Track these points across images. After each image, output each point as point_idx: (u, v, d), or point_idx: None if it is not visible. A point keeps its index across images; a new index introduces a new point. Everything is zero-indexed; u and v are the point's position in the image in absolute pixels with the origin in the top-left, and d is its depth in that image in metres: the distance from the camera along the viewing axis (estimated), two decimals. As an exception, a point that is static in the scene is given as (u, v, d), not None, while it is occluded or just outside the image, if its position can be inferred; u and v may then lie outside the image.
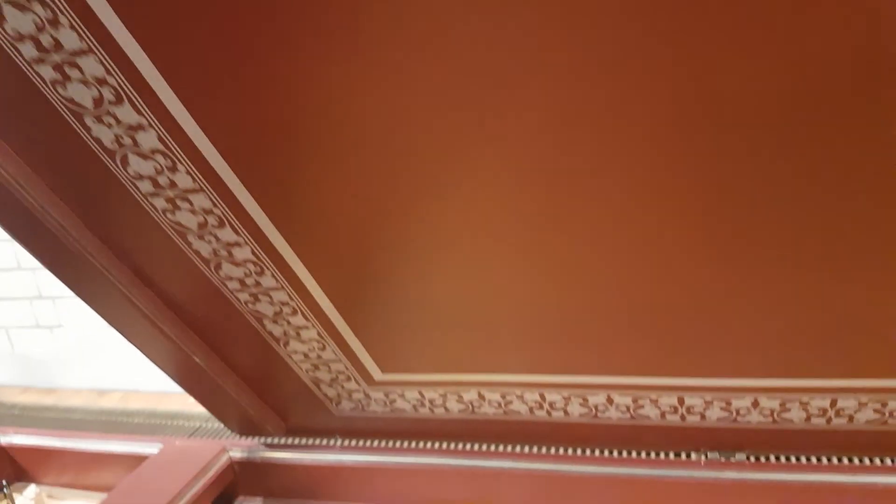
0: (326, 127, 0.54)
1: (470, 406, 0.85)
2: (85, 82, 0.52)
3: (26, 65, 0.52)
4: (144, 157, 0.57)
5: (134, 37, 0.49)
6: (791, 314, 0.66)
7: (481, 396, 0.83)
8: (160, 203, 0.61)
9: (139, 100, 0.53)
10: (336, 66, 0.49)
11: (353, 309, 0.75)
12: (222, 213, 0.62)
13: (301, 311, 0.73)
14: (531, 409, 0.84)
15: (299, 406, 0.90)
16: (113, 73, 0.51)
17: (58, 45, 0.50)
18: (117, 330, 0.75)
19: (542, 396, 0.81)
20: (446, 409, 0.86)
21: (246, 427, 0.92)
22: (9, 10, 0.49)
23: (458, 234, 0.63)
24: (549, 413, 0.84)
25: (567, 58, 0.46)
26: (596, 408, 0.82)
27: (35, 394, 2.07)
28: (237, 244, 0.65)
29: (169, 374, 0.82)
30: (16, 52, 0.52)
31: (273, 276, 0.69)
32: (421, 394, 0.85)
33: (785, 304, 0.65)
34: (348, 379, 0.86)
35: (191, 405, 1.85)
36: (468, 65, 0.48)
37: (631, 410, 0.81)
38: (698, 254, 0.61)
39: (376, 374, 0.85)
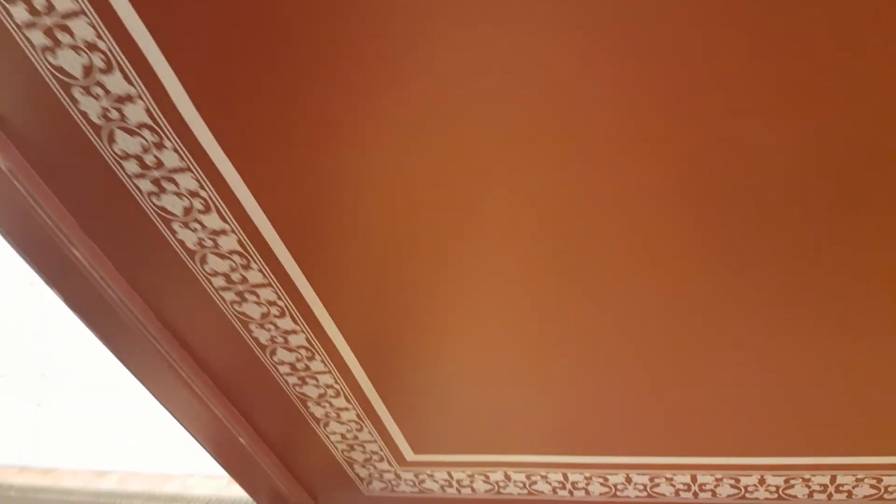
0: (376, 224, 0.62)
1: (496, 486, 0.90)
2: (178, 194, 0.60)
3: (127, 178, 0.59)
4: (222, 256, 0.64)
5: (230, 161, 0.57)
6: (793, 396, 0.73)
7: (507, 477, 0.88)
8: (230, 296, 0.68)
9: (226, 209, 0.60)
10: (386, 178, 0.57)
11: (391, 390, 0.80)
12: (285, 305, 0.68)
13: (344, 393, 0.79)
14: (554, 490, 0.88)
15: (331, 485, 0.94)
16: (206, 187, 0.59)
17: (159, 164, 0.58)
18: (167, 409, 0.79)
19: (566, 476, 0.86)
20: (473, 489, 0.91)
21: (275, 506, 0.95)
22: (120, 135, 0.56)
23: (485, 318, 0.70)
24: (570, 493, 0.88)
25: (577, 139, 0.54)
26: (615, 487, 0.87)
27: (32, 474, 2.04)
28: (294, 332, 0.71)
29: (209, 451, 0.86)
30: (119, 168, 0.59)
31: (322, 360, 0.75)
32: (449, 474, 0.90)
33: (787, 387, 0.72)
34: (381, 459, 0.90)
35: (189, 487, 1.86)
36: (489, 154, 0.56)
37: (648, 489, 0.86)
38: (710, 335, 0.68)
39: (408, 454, 0.90)
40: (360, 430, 0.85)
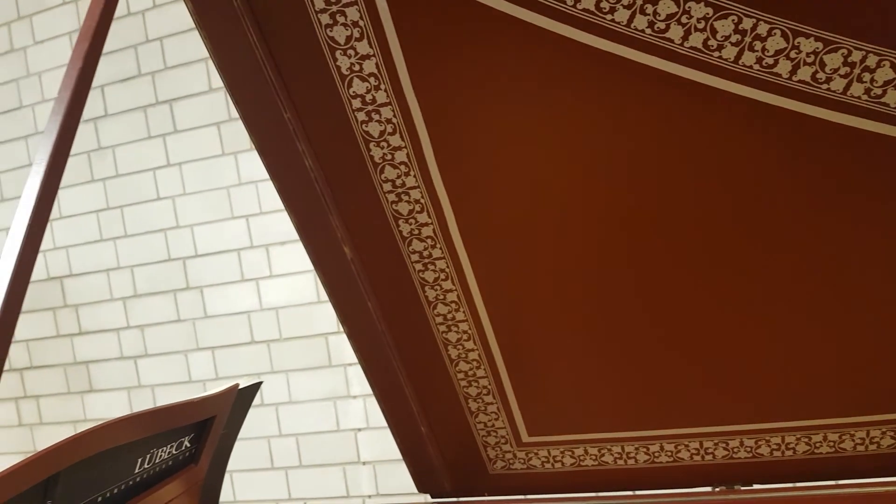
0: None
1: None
2: (408, 201, 1.06)
3: (384, 195, 1.06)
4: (422, 239, 1.09)
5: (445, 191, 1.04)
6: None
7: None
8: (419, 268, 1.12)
9: (434, 217, 1.06)
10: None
11: (522, 372, 1.18)
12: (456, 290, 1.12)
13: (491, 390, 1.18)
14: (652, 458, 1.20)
15: (469, 465, 1.26)
16: (427, 209, 1.05)
17: (403, 185, 1.05)
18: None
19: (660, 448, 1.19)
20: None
21: (426, 483, 1.27)
22: (388, 168, 1.05)
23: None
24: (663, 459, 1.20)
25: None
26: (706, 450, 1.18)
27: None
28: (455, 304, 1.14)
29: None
30: (381, 190, 1.06)
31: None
32: (566, 452, 1.22)
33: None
34: (506, 442, 1.24)
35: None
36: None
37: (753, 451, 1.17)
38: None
39: (524, 435, 1.23)
40: (497, 419, 1.21)
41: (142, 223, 3.13)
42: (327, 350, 3.00)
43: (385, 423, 2.88)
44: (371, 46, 0.95)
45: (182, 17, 3.07)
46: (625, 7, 0.85)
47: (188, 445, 1.22)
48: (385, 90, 0.98)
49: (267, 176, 3.40)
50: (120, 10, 3.22)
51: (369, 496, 2.90)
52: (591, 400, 1.20)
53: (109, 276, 3.19)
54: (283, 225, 3.04)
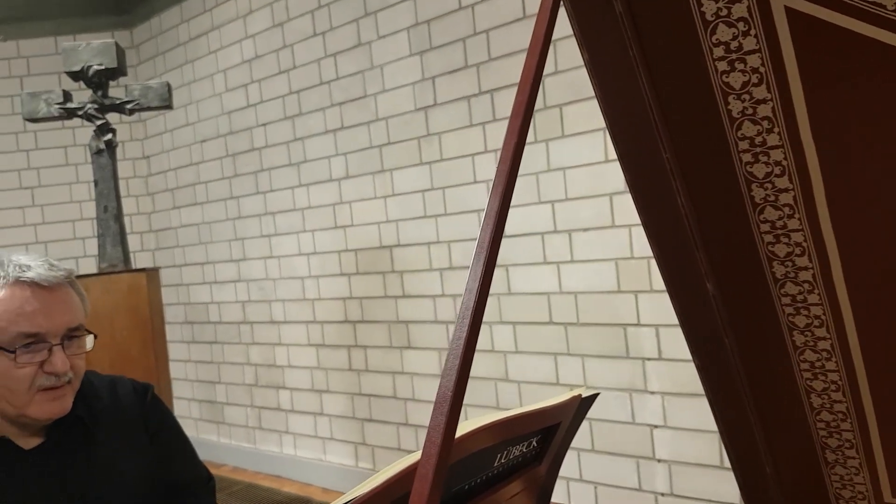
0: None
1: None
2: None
3: (735, 144, 1.03)
4: (797, 283, 1.04)
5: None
6: None
7: None
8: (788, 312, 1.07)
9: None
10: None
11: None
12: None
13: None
14: None
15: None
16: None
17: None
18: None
19: None
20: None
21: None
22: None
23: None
24: None
25: None
26: None
27: None
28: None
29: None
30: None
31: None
32: None
33: None
34: (863, 498, 1.15)
35: None
36: None
37: None
38: None
39: (886, 495, 1.13)
40: (858, 473, 1.12)
41: (459, 203, 3.43)
42: (625, 341, 3.02)
43: (685, 425, 2.83)
44: (769, 91, 0.91)
45: (507, 8, 3.24)
46: None
47: (535, 446, 1.33)
48: (778, 133, 0.94)
49: (575, 164, 3.48)
50: (451, 4, 3.50)
51: (662, 494, 2.89)
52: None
53: (430, 248, 3.56)
54: (585, 212, 3.10)
